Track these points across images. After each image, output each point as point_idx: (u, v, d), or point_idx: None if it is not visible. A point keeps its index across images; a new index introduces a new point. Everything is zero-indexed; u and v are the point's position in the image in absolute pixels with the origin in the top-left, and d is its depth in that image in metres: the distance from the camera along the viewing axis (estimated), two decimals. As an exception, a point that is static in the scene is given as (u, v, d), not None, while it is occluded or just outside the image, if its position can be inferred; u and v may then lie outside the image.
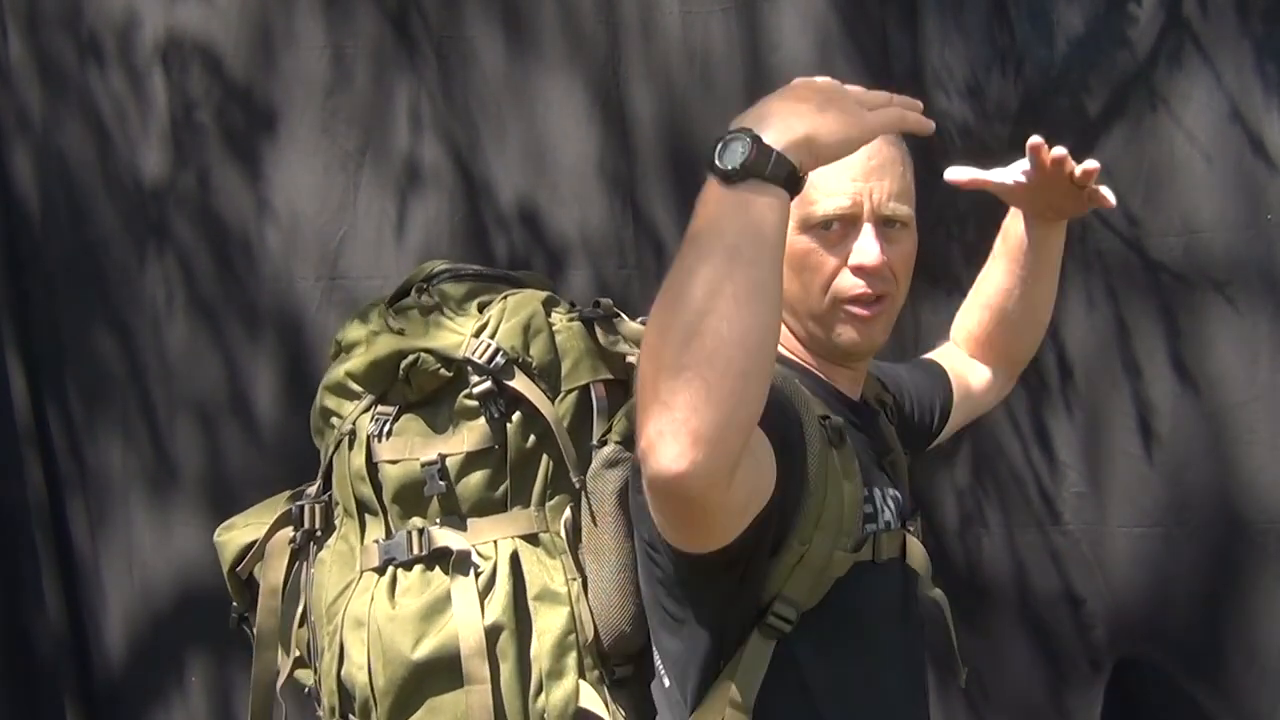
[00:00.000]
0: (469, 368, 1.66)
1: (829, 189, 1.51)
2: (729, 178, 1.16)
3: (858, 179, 1.51)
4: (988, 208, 2.16)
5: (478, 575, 1.62)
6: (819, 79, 1.26)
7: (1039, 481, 2.16)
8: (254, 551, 1.85)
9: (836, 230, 1.51)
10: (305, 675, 1.82)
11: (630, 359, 1.73)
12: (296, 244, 2.43)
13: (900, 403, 1.76)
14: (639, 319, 1.89)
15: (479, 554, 1.64)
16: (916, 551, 1.56)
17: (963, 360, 1.89)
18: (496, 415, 1.66)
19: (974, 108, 2.14)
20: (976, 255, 2.16)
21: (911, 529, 1.61)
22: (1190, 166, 2.06)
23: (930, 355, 1.90)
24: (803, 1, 2.20)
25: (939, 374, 1.86)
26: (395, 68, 2.37)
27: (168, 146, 2.48)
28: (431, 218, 2.36)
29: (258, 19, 2.42)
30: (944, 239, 2.16)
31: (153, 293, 2.50)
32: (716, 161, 1.16)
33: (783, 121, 1.19)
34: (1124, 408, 2.12)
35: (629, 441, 1.58)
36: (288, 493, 1.90)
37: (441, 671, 1.59)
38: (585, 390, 1.69)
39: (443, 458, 1.66)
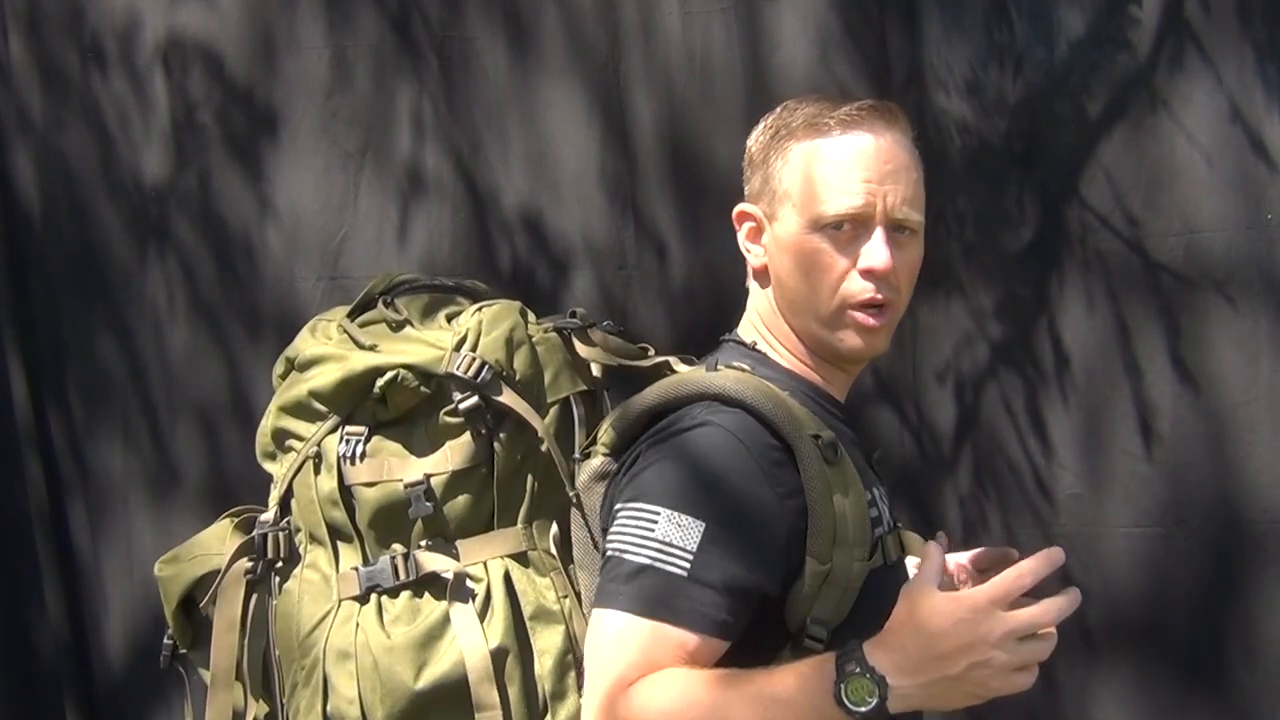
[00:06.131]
0: (452, 383, 1.60)
1: (843, 188, 1.49)
2: (850, 713, 1.23)
3: (872, 180, 1.48)
4: (987, 205, 2.16)
5: (473, 598, 1.57)
6: (991, 609, 1.23)
7: (1039, 481, 2.16)
8: (218, 584, 1.74)
9: (848, 231, 1.49)
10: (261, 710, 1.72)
11: (595, 370, 1.70)
12: (297, 245, 2.42)
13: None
14: (639, 345, 1.85)
15: (470, 576, 1.58)
16: (914, 541, 1.55)
17: None
18: (484, 431, 1.60)
19: (974, 108, 2.14)
20: (976, 253, 2.16)
21: (901, 524, 1.60)
22: (1191, 167, 2.06)
23: None
24: (803, 2, 2.20)
25: None
26: (396, 69, 2.37)
27: (169, 148, 2.47)
28: (432, 218, 2.36)
29: (259, 20, 2.41)
30: (943, 237, 2.16)
31: (153, 294, 2.50)
32: (845, 700, 1.23)
33: (918, 689, 1.24)
34: (1124, 408, 2.12)
35: (616, 451, 1.54)
36: (228, 520, 1.80)
37: (446, 700, 1.55)
38: (566, 402, 1.66)
39: (428, 478, 1.59)
